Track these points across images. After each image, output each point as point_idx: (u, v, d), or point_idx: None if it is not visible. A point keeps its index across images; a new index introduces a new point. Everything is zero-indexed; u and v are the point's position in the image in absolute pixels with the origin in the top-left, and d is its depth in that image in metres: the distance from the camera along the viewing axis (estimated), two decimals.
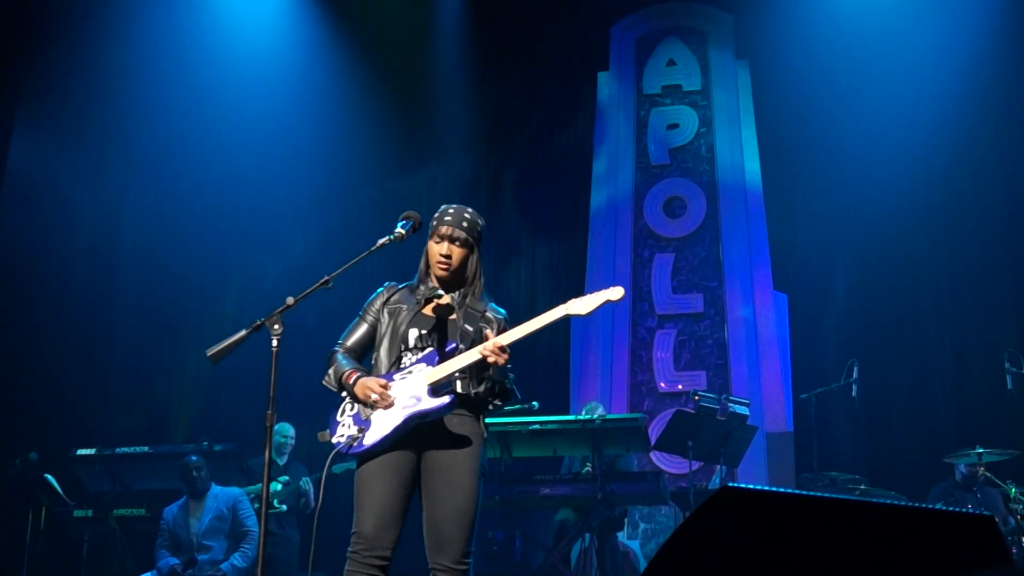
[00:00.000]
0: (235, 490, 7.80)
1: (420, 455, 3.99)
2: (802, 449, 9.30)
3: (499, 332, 4.10)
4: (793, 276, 10.50)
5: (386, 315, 4.15)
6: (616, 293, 4.03)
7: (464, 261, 4.16)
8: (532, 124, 11.64)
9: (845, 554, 2.33)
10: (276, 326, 3.84)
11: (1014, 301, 9.80)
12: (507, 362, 3.89)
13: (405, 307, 4.14)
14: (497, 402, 4.07)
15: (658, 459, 9.69)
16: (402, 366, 4.04)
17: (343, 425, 4.04)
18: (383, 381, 3.96)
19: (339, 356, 4.15)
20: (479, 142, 11.66)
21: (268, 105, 10.82)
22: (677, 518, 8.69)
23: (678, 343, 10.46)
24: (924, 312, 10.10)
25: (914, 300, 10.11)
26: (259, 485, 4.62)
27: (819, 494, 2.50)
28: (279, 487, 8.04)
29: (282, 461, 8.40)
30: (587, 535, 7.64)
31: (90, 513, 8.03)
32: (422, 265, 4.19)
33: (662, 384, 10.31)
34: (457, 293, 4.15)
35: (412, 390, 3.92)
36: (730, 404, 7.97)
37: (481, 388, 4.01)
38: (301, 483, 8.16)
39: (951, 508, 5.95)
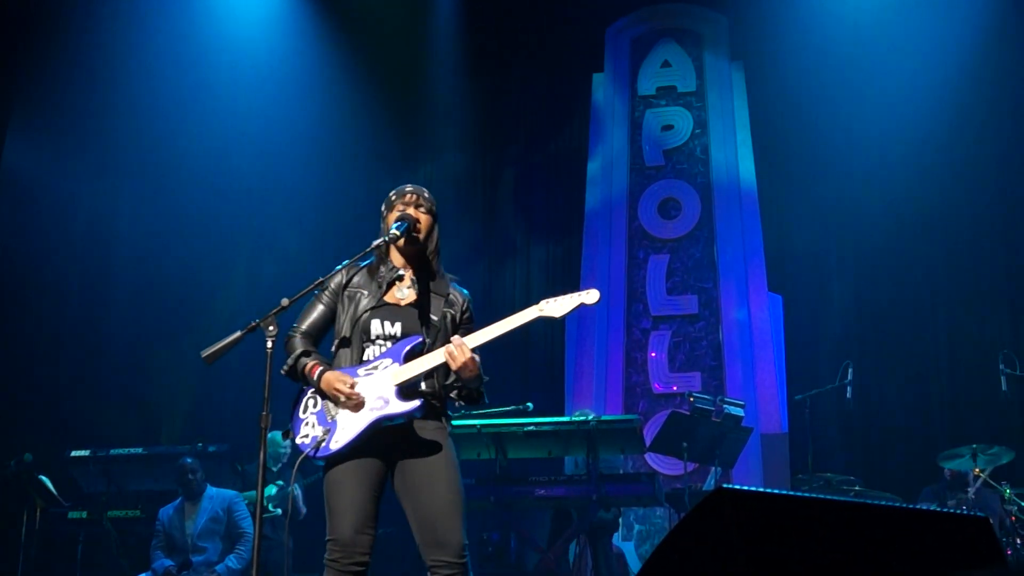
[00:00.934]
0: (230, 492, 7.79)
1: (390, 462, 3.90)
2: (797, 450, 9.31)
3: (464, 312, 4.06)
4: (788, 278, 10.51)
5: (345, 300, 4.02)
6: (591, 296, 3.93)
7: (429, 231, 4.07)
8: (527, 125, 11.64)
9: (839, 555, 2.34)
10: (271, 327, 3.82)
11: (1008, 303, 9.80)
12: (478, 366, 3.83)
13: (365, 292, 4.01)
14: (460, 403, 4.03)
15: (653, 460, 9.69)
16: (365, 359, 3.93)
17: (307, 424, 3.94)
18: (351, 380, 3.84)
19: (297, 342, 4.03)
20: (474, 143, 11.66)
21: (263, 104, 10.82)
22: (672, 519, 8.69)
23: (673, 344, 10.47)
24: (919, 314, 10.11)
25: (909, 302, 10.12)
26: (254, 491, 4.61)
27: (813, 495, 2.50)
28: (274, 491, 8.04)
29: (276, 468, 8.39)
30: (580, 536, 7.65)
31: (85, 514, 8.02)
32: (379, 242, 4.01)
33: (657, 385, 10.31)
34: (416, 274, 4.05)
35: (379, 390, 3.82)
36: (725, 405, 7.97)
37: (451, 389, 3.96)
38: (291, 488, 8.13)
39: (945, 509, 5.96)
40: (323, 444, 3.84)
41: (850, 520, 2.42)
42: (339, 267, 4.10)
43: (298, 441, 3.94)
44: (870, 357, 9.83)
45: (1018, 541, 7.00)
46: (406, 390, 3.83)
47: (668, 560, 2.38)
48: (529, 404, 7.55)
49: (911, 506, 2.58)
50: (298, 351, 4.00)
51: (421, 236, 4.03)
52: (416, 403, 3.80)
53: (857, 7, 10.44)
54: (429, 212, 4.07)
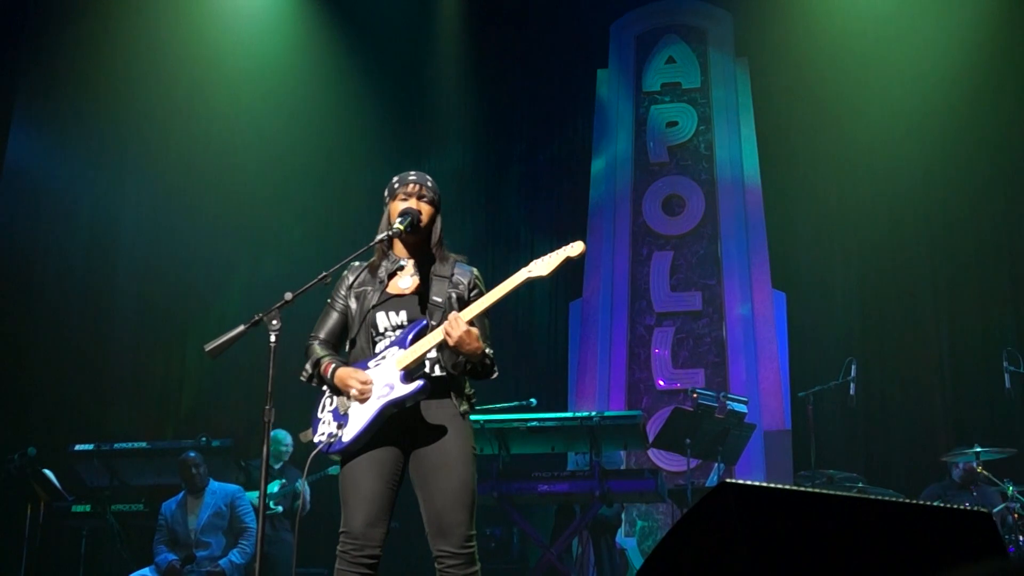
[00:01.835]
0: (233, 487, 7.80)
1: (405, 452, 3.89)
2: (800, 447, 9.31)
3: (472, 289, 4.03)
4: (791, 274, 10.50)
5: (353, 300, 4.02)
6: (575, 249, 3.91)
7: (432, 221, 4.05)
8: (531, 121, 11.64)
9: (842, 549, 2.34)
10: (274, 322, 3.82)
11: (1012, 300, 9.79)
12: (477, 338, 3.77)
13: (369, 289, 4.00)
14: (470, 377, 3.96)
15: (656, 457, 9.70)
16: (376, 352, 3.92)
17: (323, 422, 3.94)
18: (364, 375, 3.84)
19: (316, 347, 4.03)
20: (478, 139, 11.66)
21: (267, 97, 10.81)
22: (674, 516, 8.70)
23: (676, 341, 10.47)
24: (922, 311, 10.10)
25: (912, 299, 10.11)
26: (255, 492, 4.59)
27: (817, 490, 2.50)
28: (276, 488, 8.04)
29: (278, 466, 8.40)
30: (583, 532, 7.65)
31: (88, 508, 8.03)
32: (383, 236, 3.99)
33: (660, 382, 10.32)
34: (418, 261, 4.04)
35: (385, 377, 3.82)
36: (728, 402, 7.97)
37: (456, 366, 3.90)
38: (297, 484, 8.14)
39: (948, 505, 5.95)
40: (337, 438, 3.84)
41: (853, 515, 2.42)
42: (341, 263, 4.08)
43: (315, 439, 3.94)
44: (873, 354, 9.83)
45: (1020, 538, 7.00)
46: (411, 373, 3.82)
47: (672, 554, 2.38)
48: (532, 400, 7.56)
49: (914, 501, 2.58)
50: (317, 356, 4.01)
51: (424, 223, 4.02)
52: (418, 384, 3.78)
53: (861, 3, 10.43)
54: (432, 203, 4.06)
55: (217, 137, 10.64)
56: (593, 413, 7.38)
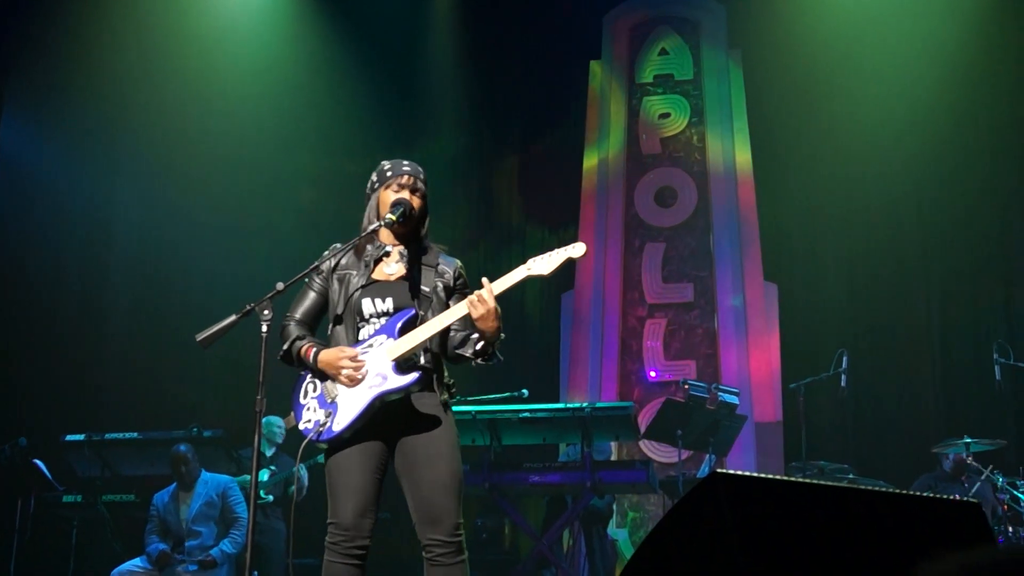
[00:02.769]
0: (224, 477, 7.79)
1: (391, 442, 3.87)
2: (791, 438, 9.34)
3: (456, 279, 4.01)
4: (783, 266, 10.52)
5: (336, 282, 3.98)
6: (578, 250, 3.89)
7: (421, 213, 4.04)
8: (524, 112, 11.62)
9: (832, 539, 2.35)
10: (266, 311, 3.81)
11: (1003, 292, 9.81)
12: (495, 315, 3.75)
13: (354, 273, 3.97)
14: (479, 360, 3.90)
15: (647, 448, 9.71)
16: (360, 339, 3.89)
17: (308, 409, 3.91)
18: (352, 351, 3.81)
19: (292, 329, 3.99)
20: (471, 129, 11.64)
21: (257, 86, 10.77)
22: (666, 507, 8.71)
23: (668, 332, 10.49)
24: (913, 302, 10.12)
25: (903, 290, 10.13)
26: (247, 476, 4.59)
27: (807, 480, 2.51)
28: (265, 477, 8.03)
29: (270, 452, 8.39)
30: (574, 523, 7.66)
31: (79, 499, 8.02)
32: (370, 219, 3.99)
33: (652, 373, 10.33)
34: (403, 248, 4.01)
35: (377, 367, 3.79)
36: (719, 393, 7.99)
37: (467, 351, 3.87)
38: (289, 471, 8.13)
39: (938, 495, 5.97)
40: (326, 427, 3.82)
41: (843, 504, 2.43)
42: (329, 251, 4.06)
43: (300, 427, 3.91)
44: (865, 345, 9.84)
45: (1010, 529, 7.03)
46: (403, 364, 3.81)
47: (662, 544, 2.39)
48: (524, 391, 7.56)
49: (904, 491, 2.59)
50: (293, 336, 3.98)
51: (416, 215, 4.00)
52: (414, 376, 3.77)
53: None
54: (423, 196, 4.05)
55: (208, 128, 10.60)
56: (585, 404, 7.38)
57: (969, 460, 7.54)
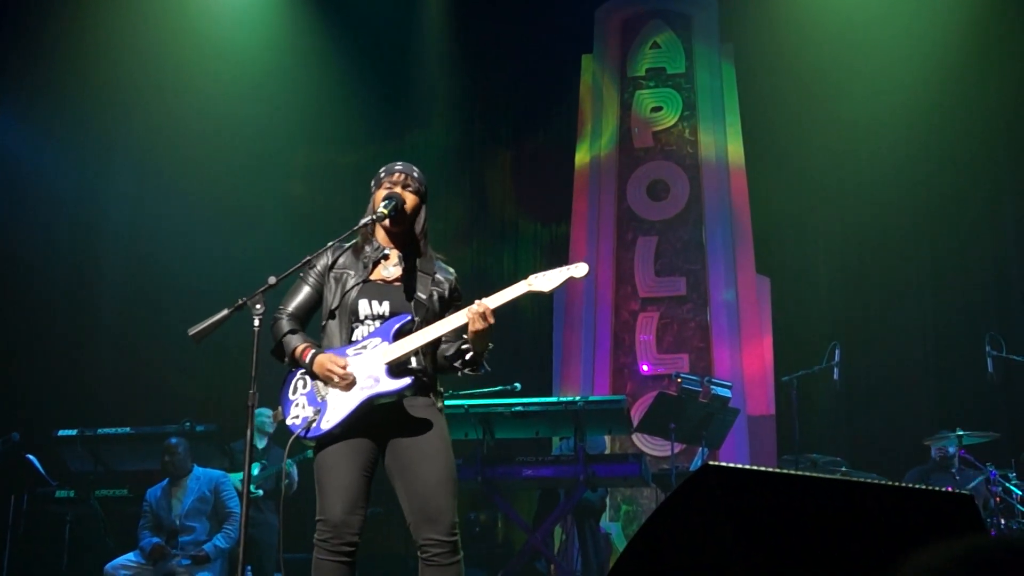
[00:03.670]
0: (217, 472, 7.77)
1: (381, 442, 3.87)
2: (783, 431, 9.36)
3: (452, 291, 4.03)
4: (776, 259, 10.53)
5: (332, 281, 3.98)
6: (580, 270, 3.89)
7: (416, 211, 4.03)
8: (516, 105, 11.62)
9: (825, 532, 2.35)
10: (258, 306, 3.81)
11: (995, 285, 9.84)
12: (490, 331, 3.79)
13: (352, 272, 3.97)
14: (467, 371, 3.94)
15: (640, 441, 9.72)
16: (354, 339, 3.90)
17: (297, 405, 3.90)
18: (343, 361, 3.82)
19: (285, 324, 3.98)
20: (463, 124, 11.64)
21: (249, 80, 10.75)
22: (659, 500, 8.72)
23: (661, 326, 10.50)
24: (906, 295, 10.14)
25: (896, 283, 10.15)
26: (238, 474, 4.58)
27: (799, 472, 2.51)
28: (256, 471, 8.02)
29: (262, 444, 8.37)
30: (567, 517, 7.66)
31: (72, 494, 8.00)
32: (366, 220, 3.98)
33: (644, 367, 10.34)
34: (402, 252, 4.01)
35: (369, 369, 3.80)
36: (712, 386, 7.99)
37: (455, 358, 3.91)
38: (285, 464, 8.11)
39: (931, 487, 5.99)
40: (314, 424, 3.81)
41: (836, 497, 2.43)
42: (325, 247, 4.05)
43: (288, 422, 3.91)
44: (857, 338, 9.85)
45: (1002, 521, 7.04)
46: (396, 368, 3.81)
47: (655, 536, 2.39)
48: (517, 384, 7.56)
49: (896, 484, 2.60)
50: (285, 331, 3.98)
51: (408, 211, 3.99)
52: (407, 380, 3.78)
53: None
54: (417, 192, 4.03)
55: (200, 121, 10.57)
56: (577, 398, 7.38)
57: (962, 452, 7.56)
